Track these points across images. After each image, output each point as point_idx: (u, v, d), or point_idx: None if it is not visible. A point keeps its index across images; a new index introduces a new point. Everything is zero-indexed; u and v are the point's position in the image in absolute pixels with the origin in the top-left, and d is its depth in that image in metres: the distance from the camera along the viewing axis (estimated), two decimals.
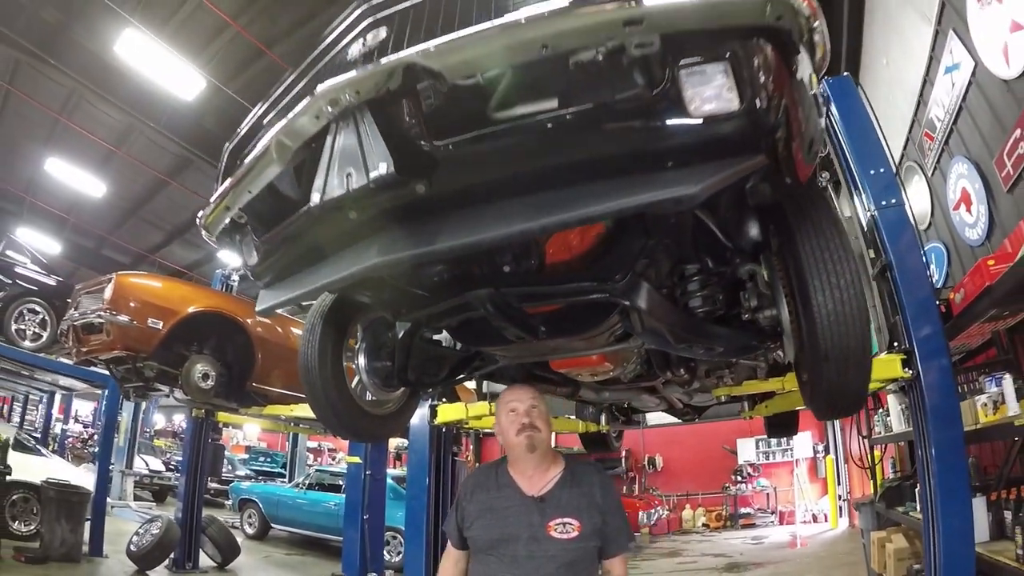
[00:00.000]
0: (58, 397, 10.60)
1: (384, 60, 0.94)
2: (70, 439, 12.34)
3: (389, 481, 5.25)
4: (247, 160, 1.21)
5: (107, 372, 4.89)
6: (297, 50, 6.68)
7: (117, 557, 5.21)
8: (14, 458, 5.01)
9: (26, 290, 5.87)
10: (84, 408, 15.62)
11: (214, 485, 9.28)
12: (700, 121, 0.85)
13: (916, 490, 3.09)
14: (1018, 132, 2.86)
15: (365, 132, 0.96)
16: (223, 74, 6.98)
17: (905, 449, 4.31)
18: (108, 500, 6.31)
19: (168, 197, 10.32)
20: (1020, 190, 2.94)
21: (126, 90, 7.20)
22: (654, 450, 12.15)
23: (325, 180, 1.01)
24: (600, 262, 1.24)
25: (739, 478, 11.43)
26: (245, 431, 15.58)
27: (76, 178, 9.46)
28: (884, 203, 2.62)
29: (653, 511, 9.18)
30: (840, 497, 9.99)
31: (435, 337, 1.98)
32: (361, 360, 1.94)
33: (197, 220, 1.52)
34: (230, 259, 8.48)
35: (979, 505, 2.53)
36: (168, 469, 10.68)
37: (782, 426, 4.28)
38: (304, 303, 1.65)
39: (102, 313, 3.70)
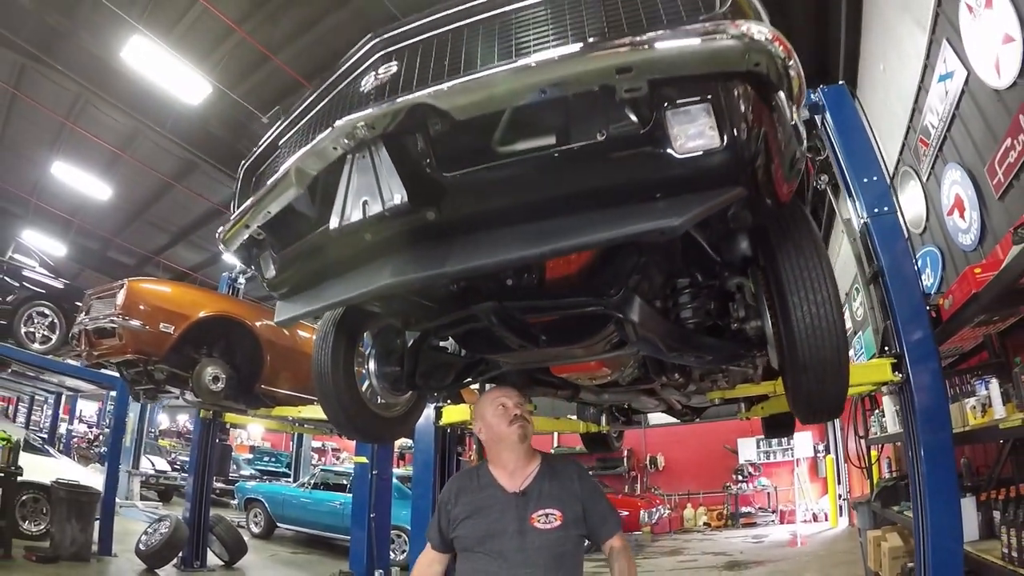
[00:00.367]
0: (63, 398, 10.70)
1: (397, 100, 1.03)
2: (75, 439, 12.45)
3: (394, 480, 5.34)
4: (268, 182, 1.29)
5: (116, 374, 4.99)
6: (302, 55, 6.80)
7: (126, 556, 5.29)
8: (24, 459, 5.09)
9: (35, 293, 5.96)
10: (88, 408, 15.75)
11: (219, 485, 9.37)
12: (685, 157, 0.93)
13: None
14: (1009, 141, 2.93)
15: (380, 163, 1.05)
16: (228, 79, 7.06)
17: (901, 449, 4.38)
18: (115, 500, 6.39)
19: (173, 200, 10.42)
20: (1011, 198, 3.00)
21: (132, 95, 7.29)
22: (656, 450, 12.23)
23: (343, 207, 1.10)
24: (596, 277, 1.33)
25: (740, 477, 11.51)
26: (249, 431, 15.67)
27: (82, 181, 9.54)
28: (877, 211, 2.69)
29: (655, 510, 9.25)
30: (840, 496, 10.06)
31: (442, 344, 2.07)
32: (372, 365, 2.03)
33: (216, 235, 1.61)
34: (235, 261, 8.55)
35: (969, 505, 2.60)
36: (174, 469, 10.77)
37: (779, 426, 4.37)
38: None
39: (115, 318, 3.79)
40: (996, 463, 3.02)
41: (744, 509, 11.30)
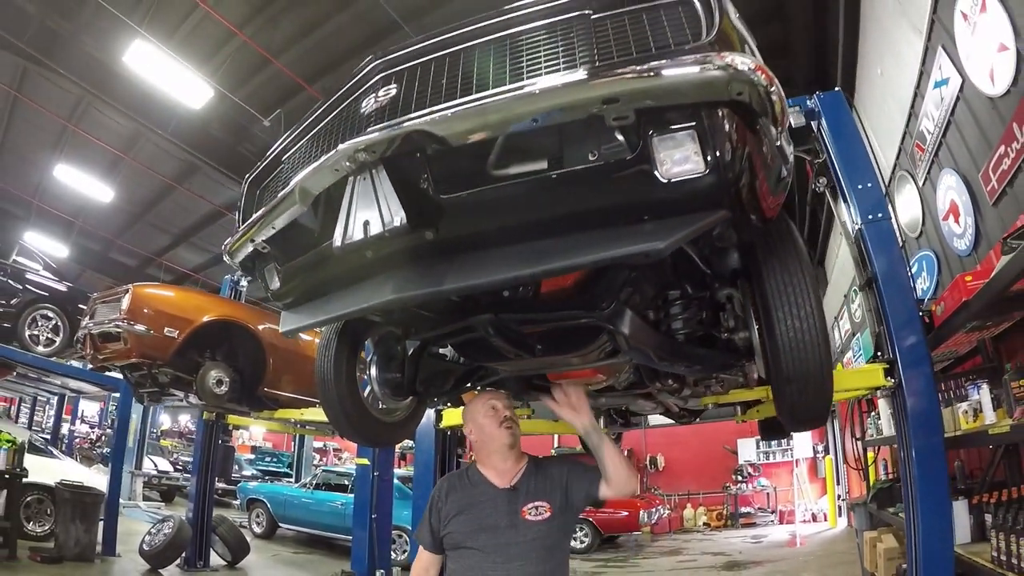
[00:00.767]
0: (66, 398, 10.75)
1: (395, 126, 1.07)
2: (78, 440, 12.52)
3: (395, 481, 5.39)
4: (273, 200, 1.34)
5: (120, 376, 5.04)
6: (303, 58, 6.85)
7: (129, 556, 5.34)
8: (28, 460, 5.14)
9: (38, 296, 6.01)
10: (90, 409, 15.82)
11: (221, 485, 9.42)
12: (671, 181, 0.97)
13: None
14: (1003, 148, 2.96)
15: (380, 185, 1.10)
16: (229, 82, 7.10)
17: (896, 451, 4.41)
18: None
19: (175, 201, 10.46)
20: (1004, 204, 3.03)
21: (134, 98, 7.33)
22: (656, 450, 12.28)
23: (346, 227, 1.15)
24: (589, 290, 1.37)
25: (740, 478, 11.55)
26: (251, 431, 15.74)
27: (84, 183, 9.59)
28: (871, 217, 2.72)
29: (654, 510, 9.29)
30: (839, 497, 10.10)
31: (441, 351, 2.12)
32: (373, 372, 2.07)
33: (223, 247, 1.65)
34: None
35: (961, 508, 2.63)
36: (176, 469, 10.83)
37: (775, 429, 4.40)
38: None
39: (120, 323, 3.85)
40: (989, 466, 3.06)
41: (744, 509, 11.34)
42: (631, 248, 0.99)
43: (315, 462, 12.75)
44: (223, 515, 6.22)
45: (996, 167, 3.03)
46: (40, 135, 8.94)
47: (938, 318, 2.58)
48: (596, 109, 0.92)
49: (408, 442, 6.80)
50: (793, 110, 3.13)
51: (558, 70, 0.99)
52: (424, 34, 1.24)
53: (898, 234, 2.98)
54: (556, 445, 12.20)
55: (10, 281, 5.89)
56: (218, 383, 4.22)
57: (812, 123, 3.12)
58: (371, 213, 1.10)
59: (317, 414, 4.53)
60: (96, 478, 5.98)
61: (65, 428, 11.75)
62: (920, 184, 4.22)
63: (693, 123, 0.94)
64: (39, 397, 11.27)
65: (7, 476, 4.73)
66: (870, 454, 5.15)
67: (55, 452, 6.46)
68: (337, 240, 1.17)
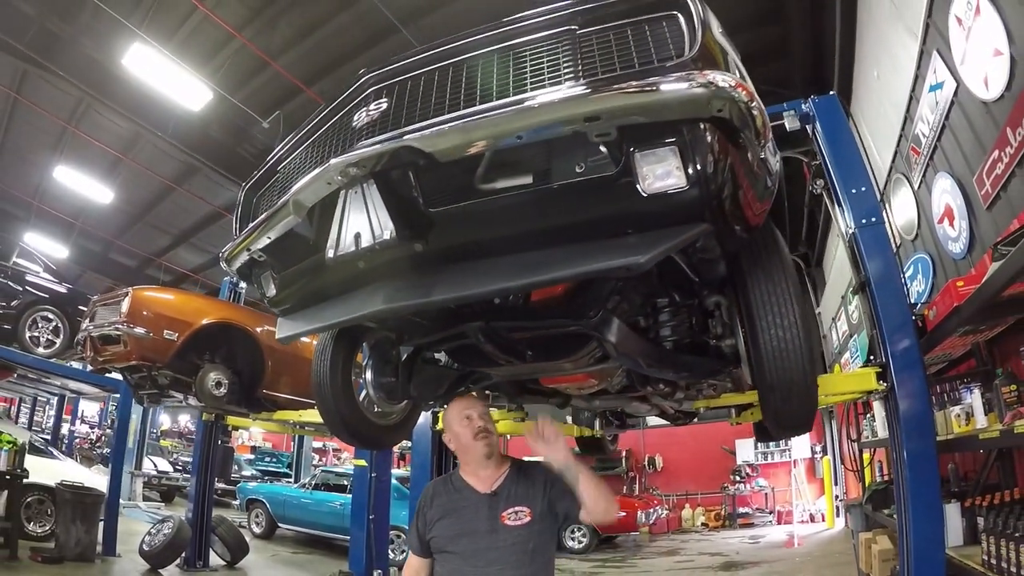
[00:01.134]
0: (66, 399, 10.77)
1: (384, 143, 1.09)
2: (78, 440, 12.54)
3: (393, 482, 5.41)
4: (268, 211, 1.36)
5: (120, 378, 5.06)
6: (301, 60, 6.86)
7: (129, 556, 5.37)
8: (29, 461, 5.16)
9: (39, 298, 6.04)
10: (90, 409, 15.84)
11: (221, 485, 9.45)
12: (653, 195, 0.99)
13: None
14: (996, 153, 2.97)
15: (370, 199, 1.12)
16: (229, 84, 7.11)
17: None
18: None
19: (174, 202, 10.49)
20: (998, 209, 3.04)
21: (133, 100, 7.34)
22: (654, 450, 12.30)
23: (338, 239, 1.17)
24: (577, 299, 1.39)
25: (738, 478, 11.57)
26: (251, 431, 15.75)
27: (84, 184, 9.60)
28: (864, 221, 2.74)
29: (652, 511, 9.32)
30: (837, 497, 10.12)
31: (435, 355, 2.14)
32: (369, 376, 2.10)
33: (220, 255, 1.68)
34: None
35: (953, 511, 2.65)
36: (175, 469, 10.85)
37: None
38: None
39: (119, 325, 3.87)
40: (983, 469, 3.08)
41: (742, 510, 11.37)
42: (612, 262, 1.01)
43: (314, 462, 12.78)
44: (222, 515, 6.24)
45: (990, 171, 3.04)
46: (40, 137, 8.96)
47: (931, 322, 2.59)
48: (578, 126, 0.93)
49: (407, 443, 6.84)
50: (788, 114, 3.15)
51: (543, 86, 1.01)
52: (417, 47, 1.26)
53: (892, 238, 2.99)
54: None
55: (10, 283, 5.92)
56: (217, 385, 4.24)
57: (807, 127, 3.14)
58: (362, 226, 1.12)
59: (315, 416, 4.52)
60: (96, 478, 6.00)
61: (65, 428, 11.78)
62: (916, 187, 4.23)
63: (675, 139, 0.96)
64: (39, 398, 11.30)
65: (8, 477, 4.76)
66: (866, 455, 5.17)
67: (55, 453, 6.48)
68: (329, 251, 1.19)
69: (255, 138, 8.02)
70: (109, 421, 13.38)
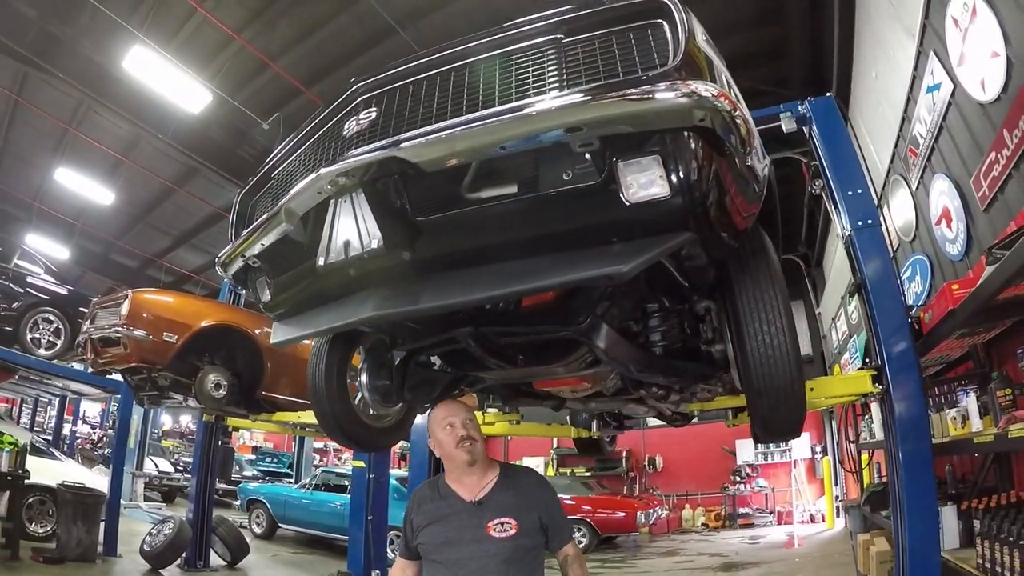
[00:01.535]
0: (67, 400, 10.81)
1: (371, 153, 1.10)
2: (79, 441, 12.58)
3: (392, 482, 5.43)
4: (261, 218, 1.38)
5: (120, 379, 5.08)
6: (301, 61, 6.87)
7: (130, 557, 5.38)
8: (30, 462, 5.18)
9: (40, 299, 6.06)
10: (92, 410, 15.89)
11: (222, 486, 9.48)
12: (637, 204, 1.00)
13: None
14: (993, 154, 2.97)
15: (359, 208, 1.13)
16: (228, 86, 7.13)
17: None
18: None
19: (175, 204, 10.52)
20: (996, 210, 3.04)
21: (133, 102, 7.37)
22: (654, 451, 12.31)
23: (328, 248, 1.19)
24: (566, 305, 1.39)
25: (738, 478, 11.56)
26: (252, 431, 15.79)
27: (84, 186, 9.64)
28: (861, 224, 2.74)
29: (652, 511, 9.32)
30: (837, 498, 10.12)
31: (430, 358, 2.15)
32: (363, 379, 2.11)
33: (216, 260, 1.70)
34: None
35: (950, 513, 2.65)
36: (176, 470, 10.88)
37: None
38: None
39: (119, 328, 3.89)
40: (979, 471, 3.07)
41: (742, 510, 11.35)
42: (595, 271, 1.01)
43: (315, 463, 12.80)
44: (223, 516, 6.25)
45: (987, 173, 3.04)
46: (41, 138, 8.99)
47: (926, 325, 2.59)
48: (560, 137, 0.94)
49: (407, 443, 6.85)
50: (785, 115, 3.16)
51: (528, 95, 1.01)
52: (409, 55, 1.27)
53: (890, 239, 2.98)
54: (555, 446, 12.25)
55: (11, 285, 5.94)
56: (216, 387, 4.26)
57: (804, 128, 3.14)
58: (351, 234, 1.14)
59: (314, 417, 4.55)
60: (97, 479, 6.03)
61: (66, 429, 11.81)
62: (914, 188, 4.23)
63: (657, 148, 0.96)
64: (40, 398, 11.34)
65: (10, 478, 4.78)
66: (864, 457, 5.16)
67: (57, 453, 6.50)
68: (320, 259, 1.20)
69: (255, 140, 8.05)
70: (110, 422, 13.42)
